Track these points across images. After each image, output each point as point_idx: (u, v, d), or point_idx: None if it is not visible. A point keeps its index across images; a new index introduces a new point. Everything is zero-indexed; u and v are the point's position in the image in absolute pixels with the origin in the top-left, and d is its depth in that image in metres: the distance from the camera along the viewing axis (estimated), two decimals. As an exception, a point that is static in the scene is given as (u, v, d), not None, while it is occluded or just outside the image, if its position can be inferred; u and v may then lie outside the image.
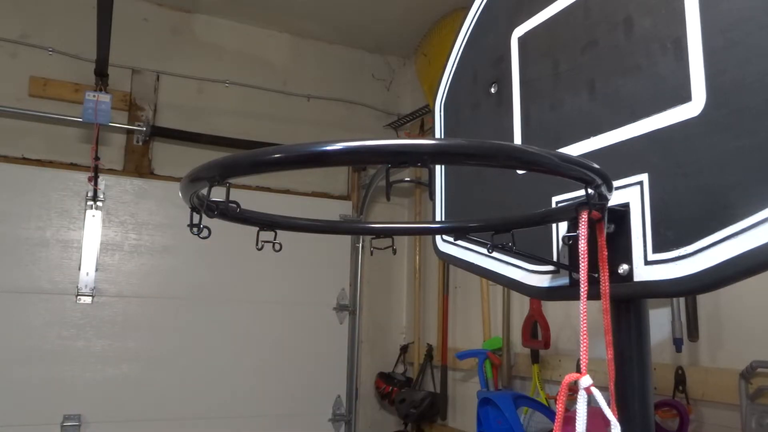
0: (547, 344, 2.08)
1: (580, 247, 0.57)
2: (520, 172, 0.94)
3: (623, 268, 0.74)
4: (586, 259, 0.57)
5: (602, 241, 0.65)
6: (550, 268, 0.87)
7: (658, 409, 1.65)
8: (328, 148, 0.41)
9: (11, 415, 2.36)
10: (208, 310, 2.75)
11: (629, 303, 0.81)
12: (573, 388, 0.52)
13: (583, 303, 0.56)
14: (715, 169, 0.66)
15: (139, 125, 2.76)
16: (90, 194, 2.60)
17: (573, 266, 0.81)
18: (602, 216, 0.65)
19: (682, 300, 1.68)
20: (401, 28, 3.10)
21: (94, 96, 2.57)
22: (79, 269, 2.57)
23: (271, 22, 3.10)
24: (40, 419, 2.40)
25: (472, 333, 2.71)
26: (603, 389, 0.51)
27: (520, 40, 0.98)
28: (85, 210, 2.61)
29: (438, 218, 1.13)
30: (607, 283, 0.65)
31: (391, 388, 3.01)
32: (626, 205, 0.75)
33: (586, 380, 0.49)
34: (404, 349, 3.21)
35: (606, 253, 0.65)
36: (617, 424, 0.51)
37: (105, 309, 2.59)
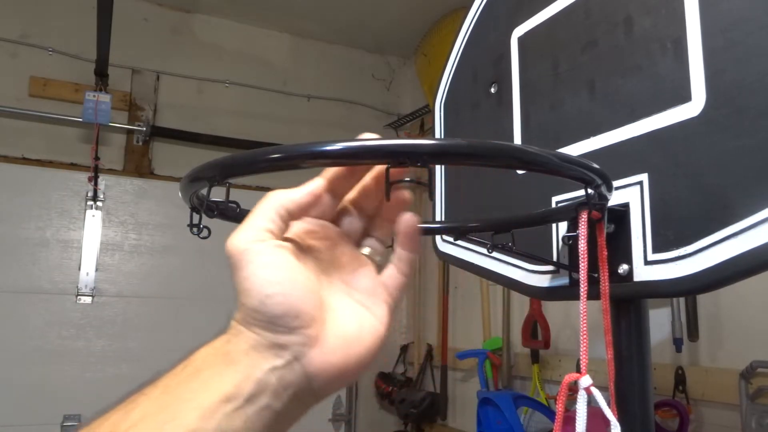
0: (547, 344, 2.08)
1: (580, 247, 0.57)
2: (520, 172, 0.94)
3: (623, 268, 0.74)
4: (586, 259, 0.57)
5: (602, 241, 0.65)
6: (550, 268, 0.87)
7: (658, 409, 1.65)
8: (328, 148, 0.41)
9: (11, 415, 2.36)
10: (208, 310, 2.75)
11: (629, 303, 0.81)
12: (573, 388, 0.52)
13: (583, 303, 0.55)
14: (715, 169, 0.66)
15: (139, 125, 2.76)
16: (90, 194, 2.60)
17: (573, 266, 0.81)
18: (602, 216, 0.65)
19: (682, 300, 1.68)
20: (401, 28, 3.10)
21: (94, 96, 2.57)
22: (79, 269, 2.57)
23: (271, 22, 3.10)
24: (40, 419, 2.40)
25: (472, 333, 2.71)
26: (603, 389, 0.51)
27: (520, 40, 0.98)
28: (85, 210, 2.61)
29: (438, 218, 1.13)
30: (606, 283, 0.65)
31: (391, 388, 3.01)
32: (626, 205, 0.75)
33: (586, 380, 0.49)
34: (404, 349, 3.21)
35: (606, 253, 0.65)
36: (617, 424, 0.51)
37: (105, 309, 2.59)
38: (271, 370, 0.36)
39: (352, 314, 0.41)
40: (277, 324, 0.37)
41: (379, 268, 0.45)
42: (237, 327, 0.38)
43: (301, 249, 0.41)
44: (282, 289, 0.37)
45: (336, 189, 0.43)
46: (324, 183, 0.42)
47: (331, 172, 0.43)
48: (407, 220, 0.43)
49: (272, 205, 0.40)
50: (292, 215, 0.40)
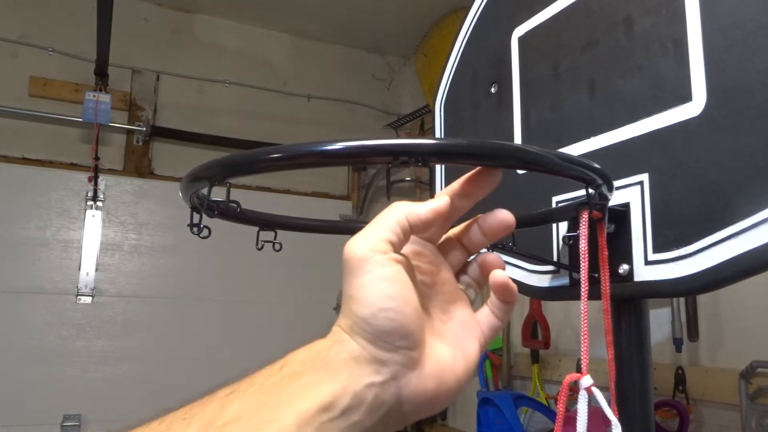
0: (547, 344, 2.08)
1: (580, 247, 0.57)
2: (520, 172, 0.94)
3: (623, 268, 0.74)
4: (586, 259, 0.57)
5: (602, 241, 0.65)
6: (550, 268, 0.87)
7: (658, 409, 1.65)
8: (328, 148, 0.41)
9: (11, 415, 2.36)
10: (208, 310, 2.75)
11: (629, 303, 0.81)
12: (573, 388, 0.52)
13: (583, 303, 0.55)
14: (716, 169, 0.66)
15: (139, 125, 2.76)
16: (90, 194, 2.60)
17: (573, 266, 0.81)
18: (603, 216, 0.64)
19: (682, 300, 1.68)
20: (401, 28, 3.10)
21: (94, 96, 2.57)
22: (79, 269, 2.57)
23: (271, 22, 3.10)
24: (40, 419, 2.40)
25: (472, 333, 2.71)
26: (603, 389, 0.51)
27: (521, 40, 0.98)
28: (85, 210, 2.61)
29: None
30: (607, 283, 0.65)
31: (391, 388, 3.00)
32: (626, 205, 0.75)
33: (586, 380, 0.49)
34: (404, 349, 3.20)
35: (606, 253, 0.65)
36: (618, 424, 0.50)
37: (105, 309, 2.59)
38: (369, 385, 0.36)
39: (448, 344, 0.41)
40: (384, 340, 0.36)
41: (472, 303, 0.45)
42: (341, 334, 0.38)
43: (411, 267, 0.40)
44: (396, 305, 0.36)
45: (449, 214, 0.42)
46: (447, 201, 0.41)
47: (451, 191, 0.43)
48: (498, 278, 0.44)
49: (396, 216, 0.39)
50: (413, 230, 0.40)
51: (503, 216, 0.44)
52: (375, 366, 0.36)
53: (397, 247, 0.38)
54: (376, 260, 0.37)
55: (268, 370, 0.37)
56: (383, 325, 0.36)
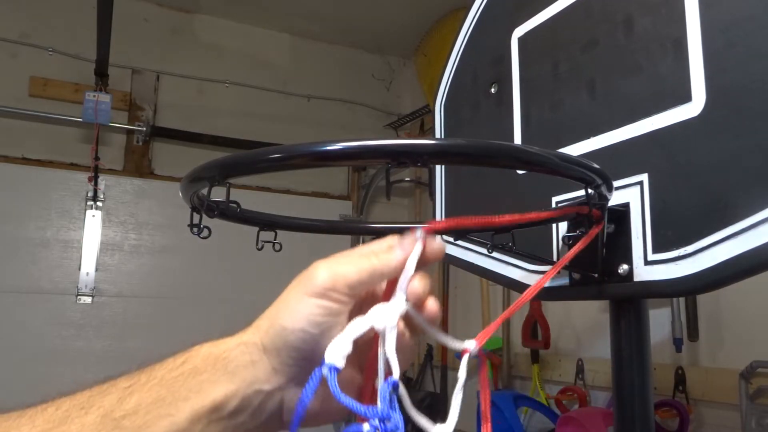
0: (547, 344, 2.08)
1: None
2: (520, 172, 0.94)
3: (623, 268, 0.74)
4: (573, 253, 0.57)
5: (588, 238, 0.64)
6: (550, 268, 0.87)
7: (658, 409, 1.65)
8: (328, 148, 0.41)
9: (11, 415, 2.36)
10: (208, 310, 2.75)
11: (629, 303, 0.81)
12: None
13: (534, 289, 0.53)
14: (715, 169, 0.66)
15: (139, 125, 2.76)
16: (90, 194, 2.60)
17: (573, 266, 0.81)
18: (602, 216, 0.65)
19: (682, 300, 1.68)
20: (401, 28, 3.10)
21: (94, 96, 2.57)
22: (79, 269, 2.57)
23: (271, 22, 3.10)
24: (40, 419, 2.40)
25: (472, 333, 2.71)
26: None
27: (521, 40, 0.98)
28: (85, 210, 2.61)
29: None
30: (556, 271, 0.61)
31: (391, 388, 3.00)
32: (626, 205, 0.75)
33: (470, 343, 0.48)
34: (404, 349, 3.20)
35: (587, 242, 0.64)
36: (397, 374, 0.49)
37: (105, 309, 2.59)
38: (257, 392, 0.38)
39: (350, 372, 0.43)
40: (289, 354, 0.38)
41: None
42: (253, 335, 0.40)
43: (351, 312, 0.42)
44: (318, 334, 0.38)
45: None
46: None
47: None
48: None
49: (370, 269, 0.42)
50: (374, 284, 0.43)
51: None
52: (268, 374, 0.38)
53: (355, 294, 0.40)
54: (330, 296, 0.39)
55: (171, 363, 0.39)
56: (295, 342, 0.38)
